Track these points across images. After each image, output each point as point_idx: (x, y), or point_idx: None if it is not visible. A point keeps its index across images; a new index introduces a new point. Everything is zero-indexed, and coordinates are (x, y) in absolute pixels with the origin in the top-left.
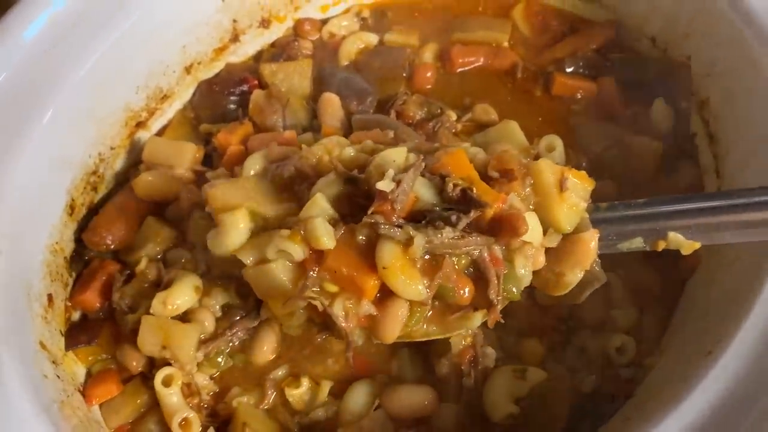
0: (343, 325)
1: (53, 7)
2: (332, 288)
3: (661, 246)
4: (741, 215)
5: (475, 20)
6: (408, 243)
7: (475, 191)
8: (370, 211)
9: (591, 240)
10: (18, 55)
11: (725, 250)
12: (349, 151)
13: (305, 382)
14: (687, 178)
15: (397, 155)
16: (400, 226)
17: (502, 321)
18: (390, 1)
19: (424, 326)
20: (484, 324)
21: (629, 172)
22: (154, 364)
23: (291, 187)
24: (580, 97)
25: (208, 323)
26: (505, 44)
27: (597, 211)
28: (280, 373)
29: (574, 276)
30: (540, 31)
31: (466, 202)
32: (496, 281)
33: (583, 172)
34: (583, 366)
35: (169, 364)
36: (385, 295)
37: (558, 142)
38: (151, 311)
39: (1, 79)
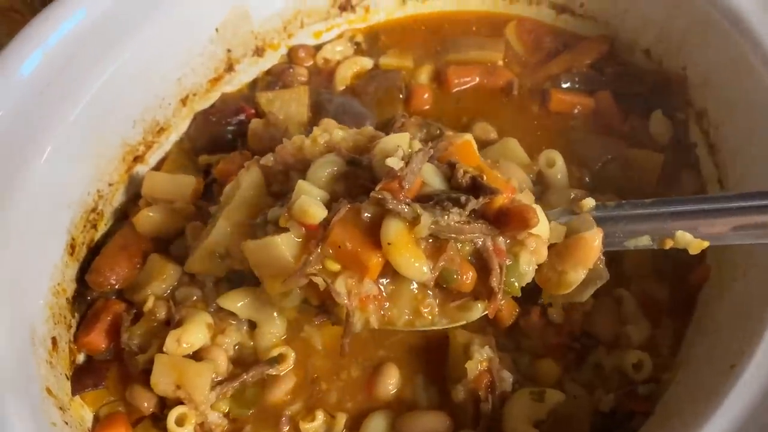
0: (345, 302)
1: (47, 44)
2: (334, 267)
3: (669, 244)
4: (748, 217)
5: (468, 40)
6: (415, 221)
7: (485, 178)
8: (378, 188)
9: (594, 239)
10: (13, 95)
11: (735, 260)
12: (339, 133)
13: (320, 416)
14: (690, 188)
15: (400, 140)
16: (408, 204)
17: (503, 309)
18: (383, 25)
19: (429, 316)
20: (499, 347)
21: (631, 185)
22: (165, 404)
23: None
24: (577, 112)
25: (221, 361)
26: (500, 63)
27: (604, 209)
28: (294, 407)
29: (576, 275)
30: (534, 48)
31: (475, 188)
32: (498, 270)
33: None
34: (600, 384)
35: (181, 404)
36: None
37: (558, 157)
38: (165, 350)
39: None
